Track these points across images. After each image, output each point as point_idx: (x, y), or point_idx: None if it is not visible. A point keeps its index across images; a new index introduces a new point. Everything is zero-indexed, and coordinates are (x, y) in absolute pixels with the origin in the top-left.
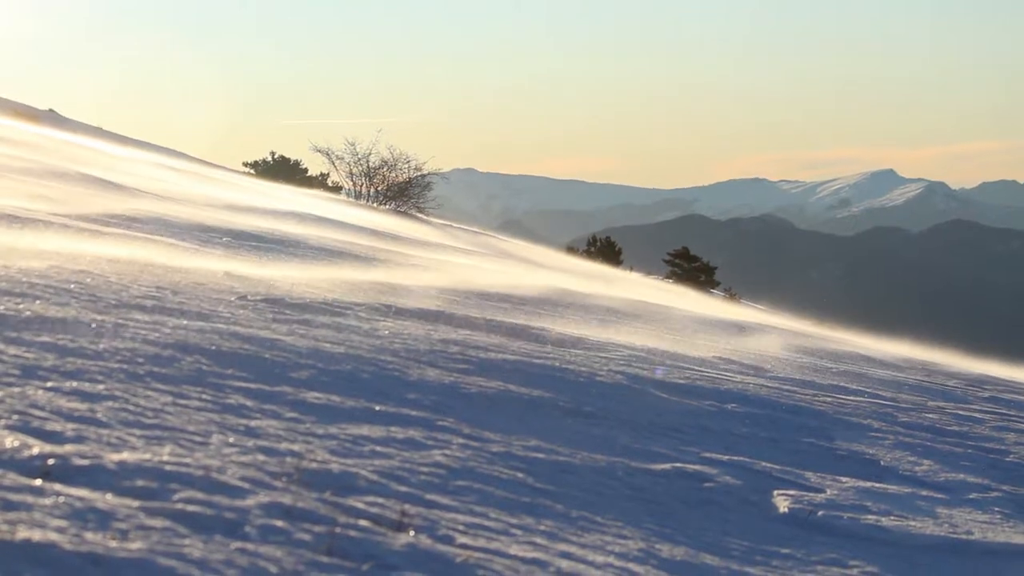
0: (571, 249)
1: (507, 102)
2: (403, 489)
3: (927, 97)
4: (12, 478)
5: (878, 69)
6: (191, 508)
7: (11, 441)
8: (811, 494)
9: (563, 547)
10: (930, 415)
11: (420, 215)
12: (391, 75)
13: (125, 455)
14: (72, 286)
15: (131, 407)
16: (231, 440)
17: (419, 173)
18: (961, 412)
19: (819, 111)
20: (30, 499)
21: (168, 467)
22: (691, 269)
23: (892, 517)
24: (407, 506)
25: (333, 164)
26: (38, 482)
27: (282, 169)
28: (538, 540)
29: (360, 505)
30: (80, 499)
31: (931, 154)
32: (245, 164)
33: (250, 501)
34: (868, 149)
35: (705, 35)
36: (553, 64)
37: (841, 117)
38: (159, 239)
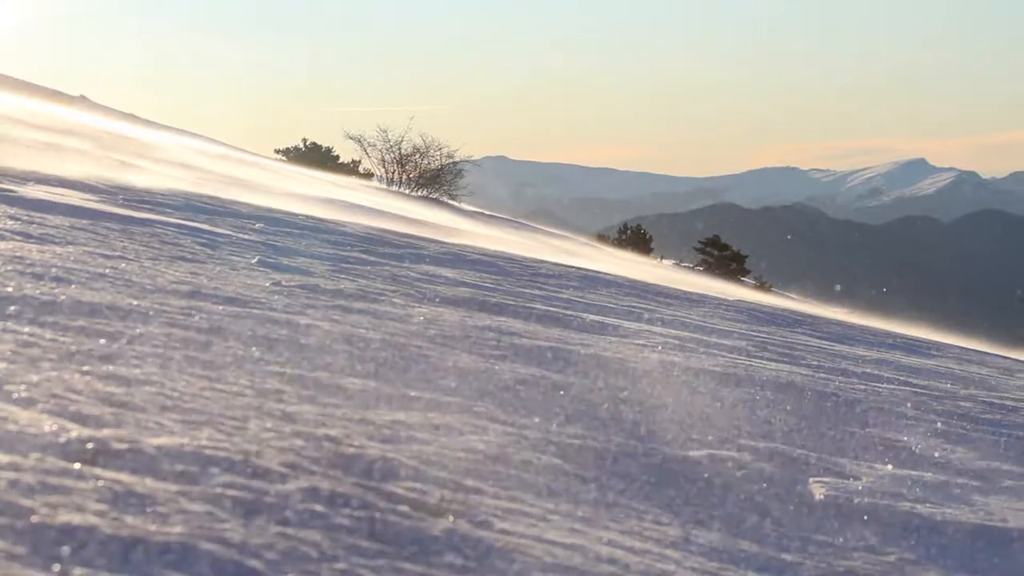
0: (602, 237)
1: (539, 90)
2: (441, 475)
3: (959, 87)
4: (51, 462)
5: (909, 58)
6: (231, 492)
7: (50, 425)
8: (847, 481)
9: (601, 533)
10: (963, 403)
11: (452, 202)
12: (423, 63)
13: (163, 439)
14: (107, 271)
15: (168, 392)
16: (269, 425)
17: (451, 160)
18: (994, 400)
19: (851, 100)
20: (69, 483)
21: (207, 451)
22: (722, 257)
23: (928, 504)
24: (445, 492)
25: (365, 151)
26: (77, 466)
27: (314, 156)
28: (576, 526)
29: (399, 491)
30: (119, 483)
31: (962, 144)
32: (277, 151)
33: (290, 486)
34: (899, 138)
35: (737, 24)
36: (585, 52)
37: (873, 106)
38: (190, 223)
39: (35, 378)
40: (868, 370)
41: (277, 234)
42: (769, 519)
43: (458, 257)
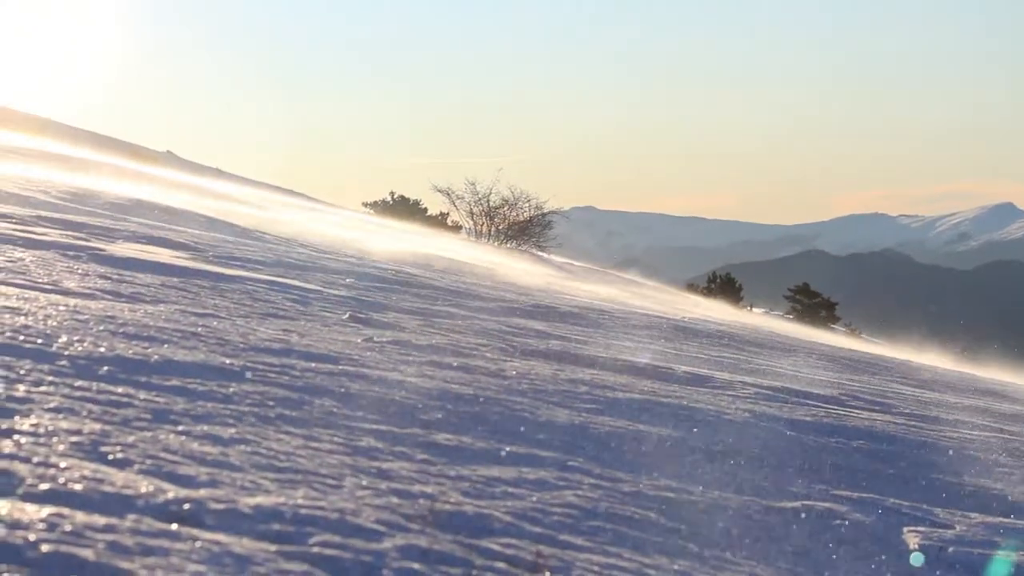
0: (691, 286)
1: (626, 138)
2: (537, 530)
3: None
4: (148, 523)
5: (994, 102)
6: (328, 552)
7: (146, 486)
8: (940, 530)
9: None
10: None
11: (541, 253)
12: (509, 113)
13: (260, 499)
14: (199, 329)
15: (263, 450)
16: (364, 483)
17: (539, 212)
18: None
19: (937, 145)
20: (167, 544)
21: (303, 511)
22: (812, 305)
23: (1021, 552)
24: (542, 547)
25: (453, 203)
26: (174, 527)
27: (402, 209)
28: None
29: (495, 547)
30: (217, 543)
31: None
32: (364, 204)
33: (386, 544)
34: (986, 182)
35: (824, 70)
36: (673, 99)
37: (958, 151)
38: (281, 280)
39: (130, 439)
40: (960, 417)
41: (367, 289)
42: (865, 570)
43: (549, 309)
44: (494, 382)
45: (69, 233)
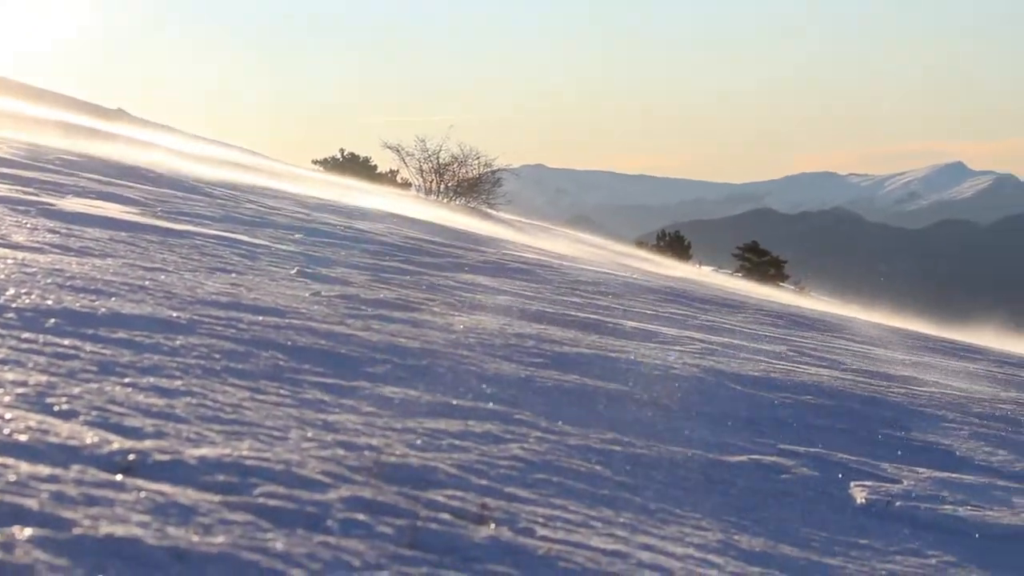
0: (640, 244)
1: (576, 97)
2: (482, 482)
3: (996, 89)
4: (93, 473)
5: (945, 63)
6: (272, 502)
7: (91, 437)
8: (888, 485)
9: (643, 539)
10: (1003, 406)
11: (490, 211)
12: (459, 73)
13: (205, 450)
14: (146, 283)
15: (209, 403)
16: (310, 435)
17: (489, 169)
18: None
19: (887, 105)
20: (111, 494)
21: (248, 462)
22: (760, 263)
23: (969, 507)
24: (487, 499)
25: (403, 161)
26: (119, 477)
27: (351, 166)
28: (618, 532)
29: (440, 498)
30: (161, 494)
31: (1000, 147)
32: (315, 162)
33: (331, 495)
34: (937, 143)
35: (774, 30)
36: (622, 59)
37: (909, 111)
38: (230, 235)
39: (76, 390)
40: (908, 374)
41: (316, 245)
42: (811, 523)
43: (497, 266)
44: (441, 336)
45: (19, 188)
